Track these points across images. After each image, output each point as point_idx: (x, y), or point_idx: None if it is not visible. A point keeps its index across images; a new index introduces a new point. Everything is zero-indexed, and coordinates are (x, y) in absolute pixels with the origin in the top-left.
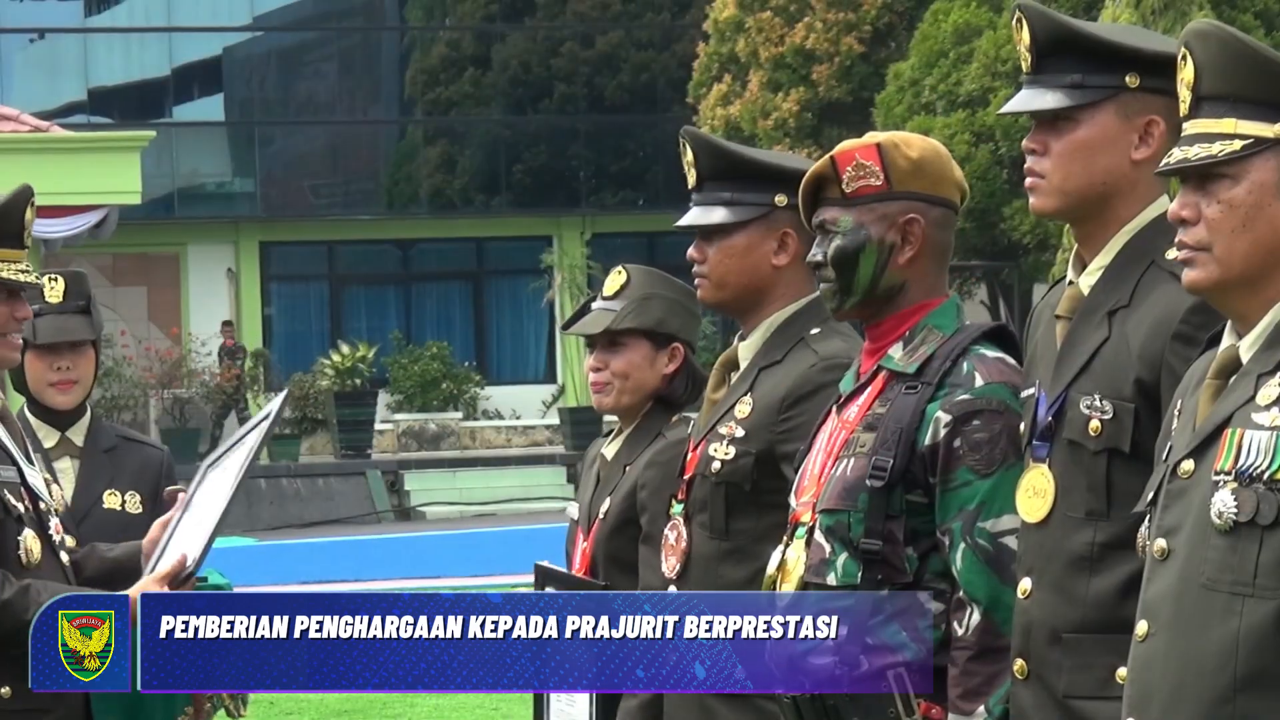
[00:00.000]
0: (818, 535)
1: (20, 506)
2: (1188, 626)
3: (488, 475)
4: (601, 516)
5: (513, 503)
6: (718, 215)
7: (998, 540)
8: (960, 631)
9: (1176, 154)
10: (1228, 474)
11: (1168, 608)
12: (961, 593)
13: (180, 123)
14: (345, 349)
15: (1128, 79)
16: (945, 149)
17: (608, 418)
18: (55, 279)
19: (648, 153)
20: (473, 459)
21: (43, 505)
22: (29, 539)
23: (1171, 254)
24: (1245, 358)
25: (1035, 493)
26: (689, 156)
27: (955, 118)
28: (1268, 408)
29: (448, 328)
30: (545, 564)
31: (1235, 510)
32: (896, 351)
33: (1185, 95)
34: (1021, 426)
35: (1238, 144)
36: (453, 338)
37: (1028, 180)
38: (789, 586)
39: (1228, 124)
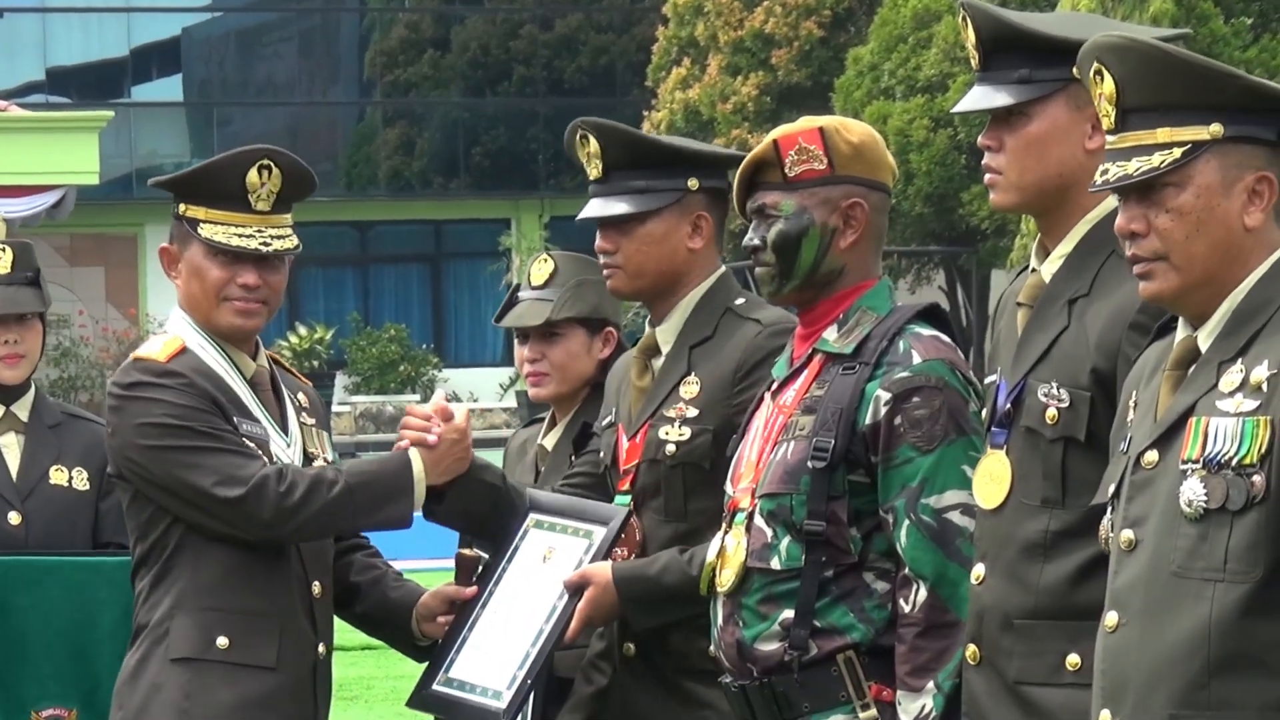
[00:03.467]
0: (758, 520)
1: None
2: (1159, 615)
3: None
4: None
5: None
6: (630, 204)
7: (941, 516)
8: (907, 609)
9: (1114, 170)
10: (1195, 462)
11: (1138, 597)
12: (907, 570)
13: (139, 103)
14: (303, 331)
15: (1075, 70)
16: (879, 134)
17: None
18: (3, 249)
19: None
20: None
21: None
22: None
23: None
24: (1204, 346)
25: (992, 479)
26: (591, 147)
27: (914, 103)
28: (1231, 394)
29: (406, 310)
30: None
31: (1205, 498)
32: (831, 334)
33: (1107, 109)
34: (967, 403)
35: (1177, 152)
36: (411, 320)
37: (986, 177)
38: (729, 573)
39: (1162, 133)
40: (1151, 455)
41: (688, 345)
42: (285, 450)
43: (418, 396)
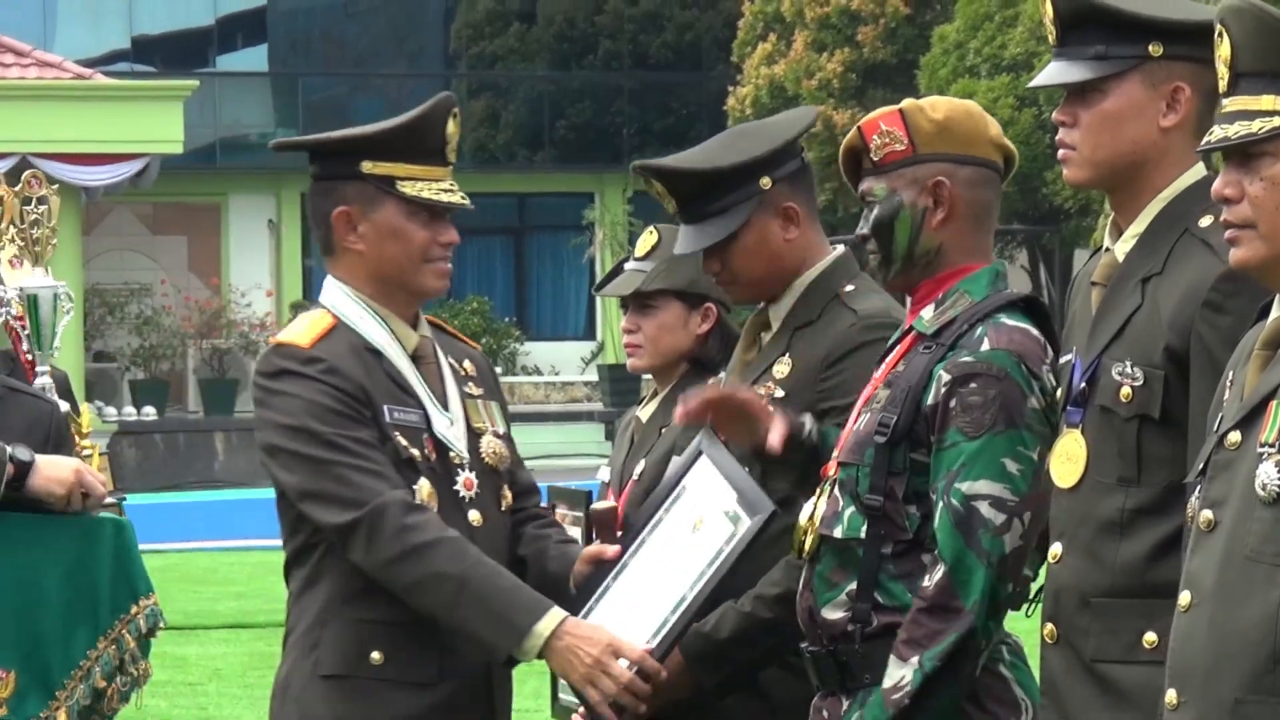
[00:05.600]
0: (835, 488)
1: (416, 452)
2: (1229, 598)
3: (526, 430)
4: (635, 478)
5: (550, 459)
6: (714, 229)
7: (970, 503)
8: (926, 585)
9: (1217, 132)
10: (1272, 446)
11: (1211, 579)
12: (936, 550)
13: (223, 72)
14: None
15: (1151, 48)
16: (979, 109)
17: (646, 377)
18: None
19: (691, 110)
20: (511, 414)
21: (453, 456)
22: (424, 489)
23: (1205, 221)
24: None
25: (1068, 458)
26: (657, 187)
27: (999, 81)
28: None
29: (489, 282)
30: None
31: (1279, 482)
32: (928, 313)
33: (1223, 72)
34: (1026, 397)
35: (1277, 120)
36: (493, 293)
37: (1060, 152)
38: (809, 538)
39: (1267, 100)
40: (1234, 436)
41: (792, 326)
42: (448, 429)
43: (500, 369)
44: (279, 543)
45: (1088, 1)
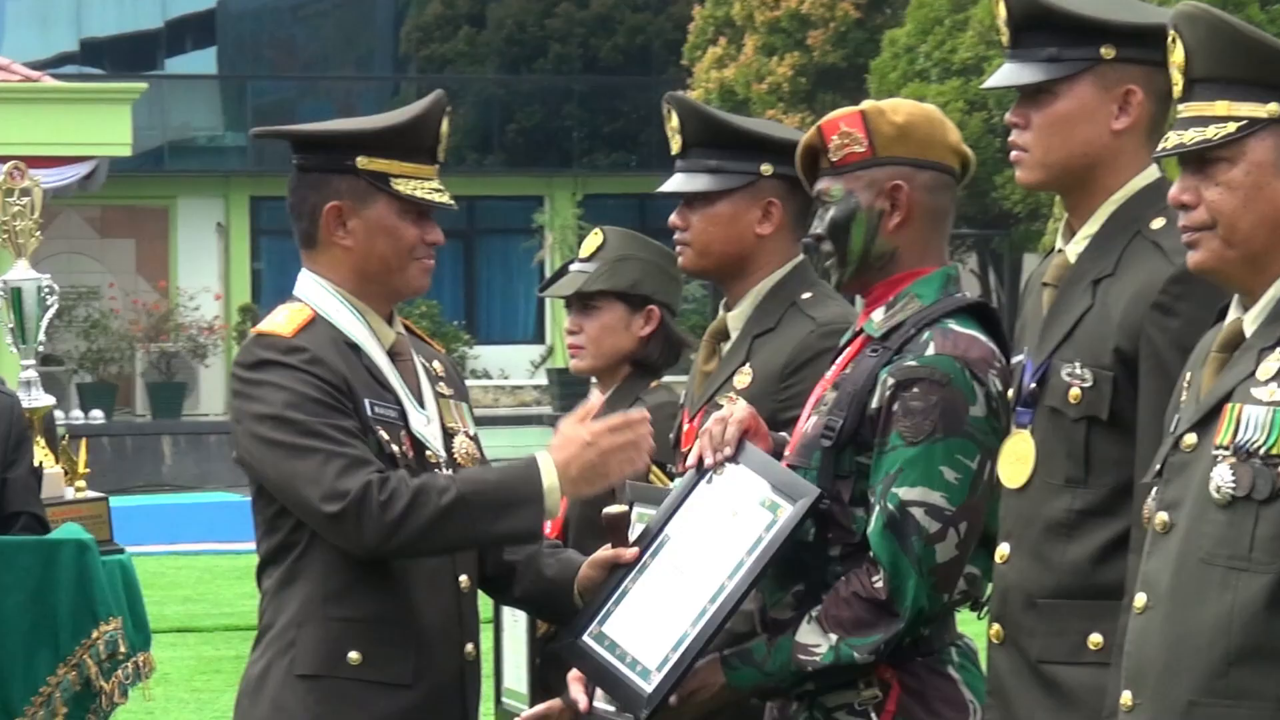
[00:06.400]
0: None
1: (396, 448)
2: (1185, 600)
3: None
4: None
5: (500, 462)
6: (701, 183)
7: (905, 508)
8: (875, 579)
9: (1172, 138)
10: (1226, 449)
11: (1166, 581)
12: (871, 552)
13: (172, 75)
14: None
15: (1103, 50)
16: (939, 114)
17: (595, 380)
18: None
19: (641, 114)
20: None
21: (430, 455)
22: None
23: (1157, 224)
24: (1248, 332)
25: (1016, 459)
26: (674, 122)
27: (949, 85)
28: (1266, 383)
29: (437, 286)
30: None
31: (1233, 485)
32: (878, 315)
33: (1177, 78)
34: (969, 405)
35: (1232, 126)
36: (442, 296)
37: (1012, 154)
38: None
39: (1221, 106)
40: (1190, 438)
41: (751, 334)
42: (425, 426)
43: None
44: (226, 547)
45: (1041, 4)
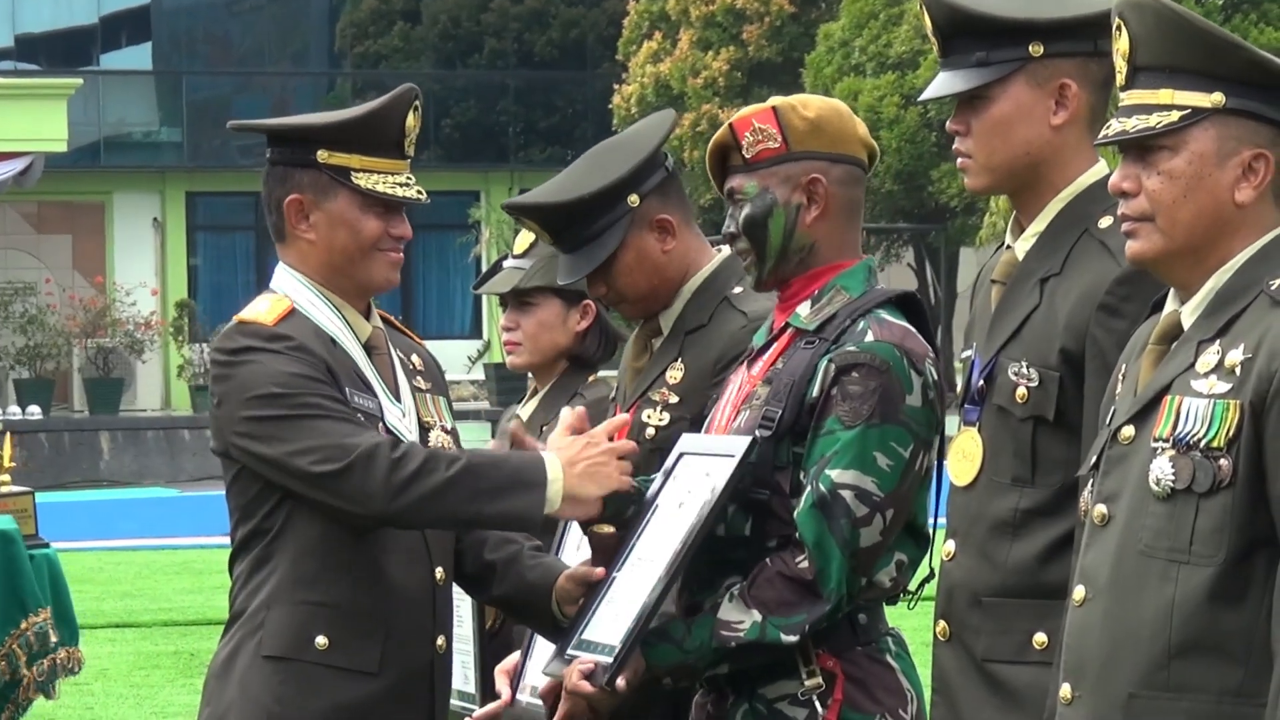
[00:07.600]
0: None
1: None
2: (1124, 593)
3: None
4: None
5: None
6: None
7: (836, 490)
8: (800, 560)
9: (1115, 125)
10: (1166, 441)
11: (1105, 573)
12: (798, 533)
13: (108, 71)
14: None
15: (1032, 49)
16: (847, 108)
17: (531, 375)
18: None
19: (577, 109)
20: None
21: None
22: None
23: (1104, 223)
24: (1187, 324)
25: (964, 456)
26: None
27: (885, 80)
28: (1206, 375)
29: None
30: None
31: (1173, 478)
32: (804, 309)
33: (1121, 66)
34: (905, 394)
35: (1175, 115)
36: None
37: (958, 161)
38: None
39: (1165, 95)
40: (1128, 431)
41: (683, 331)
42: (400, 420)
43: None
44: (164, 542)
45: (963, 11)
